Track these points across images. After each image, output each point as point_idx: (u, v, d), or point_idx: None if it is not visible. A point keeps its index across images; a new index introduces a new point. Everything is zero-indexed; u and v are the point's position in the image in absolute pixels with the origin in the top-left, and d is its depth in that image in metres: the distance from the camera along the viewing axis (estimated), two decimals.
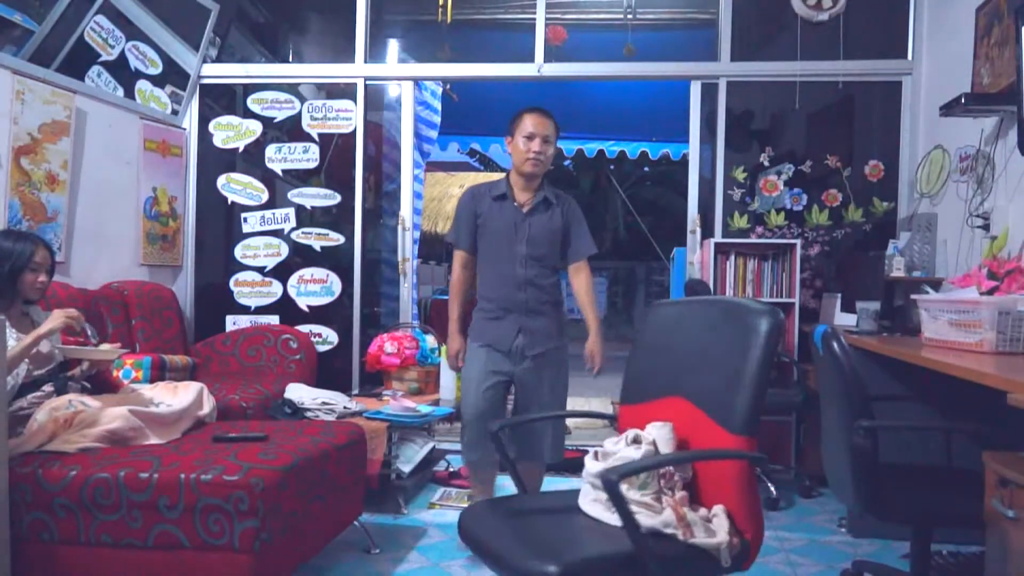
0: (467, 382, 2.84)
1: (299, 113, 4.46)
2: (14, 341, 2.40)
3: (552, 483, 2.96)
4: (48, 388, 2.52)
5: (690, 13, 4.99)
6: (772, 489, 3.52)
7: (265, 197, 4.49)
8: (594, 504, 1.77)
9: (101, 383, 2.74)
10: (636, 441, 1.75)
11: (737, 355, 1.65)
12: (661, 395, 1.87)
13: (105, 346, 2.64)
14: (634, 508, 1.67)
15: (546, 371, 2.80)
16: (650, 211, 11.43)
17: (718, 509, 1.66)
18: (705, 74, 4.32)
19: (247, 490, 2.08)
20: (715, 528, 1.61)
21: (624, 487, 1.69)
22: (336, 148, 4.56)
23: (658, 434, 1.74)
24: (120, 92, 3.94)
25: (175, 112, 4.36)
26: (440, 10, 4.76)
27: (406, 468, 3.42)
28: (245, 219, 4.47)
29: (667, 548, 1.55)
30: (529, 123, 2.77)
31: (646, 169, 12.12)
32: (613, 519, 1.69)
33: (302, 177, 4.72)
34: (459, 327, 2.88)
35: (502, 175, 2.96)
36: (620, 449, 1.75)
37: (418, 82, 4.68)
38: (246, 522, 2.08)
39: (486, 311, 2.84)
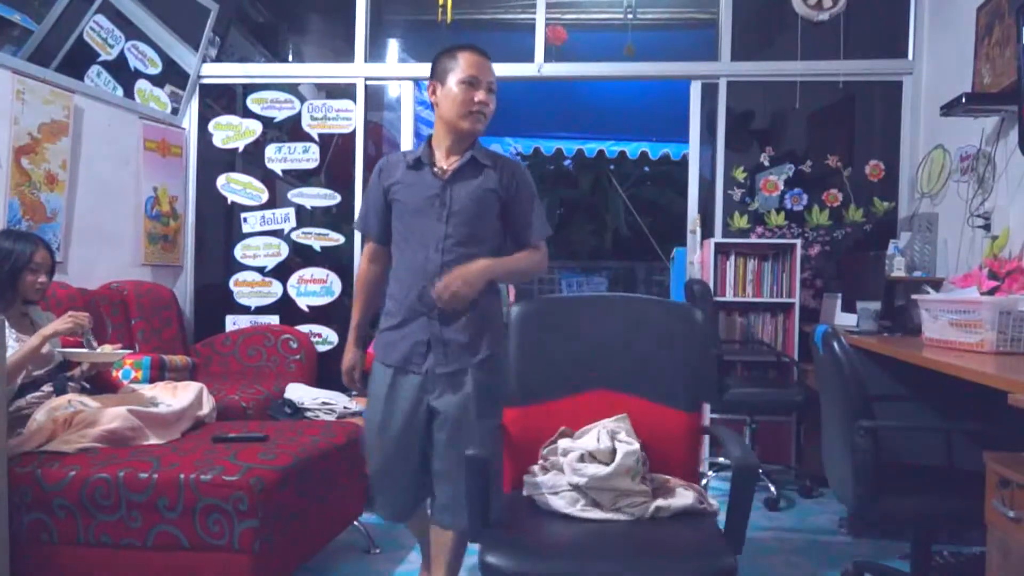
0: (369, 420, 2.19)
1: (299, 113, 4.46)
2: (13, 341, 2.40)
3: None
4: (48, 388, 2.51)
5: (690, 13, 4.98)
6: (772, 489, 3.52)
7: (265, 197, 4.49)
8: (590, 509, 1.74)
9: (101, 383, 2.74)
10: (613, 437, 1.80)
11: (677, 347, 1.92)
12: (575, 391, 1.94)
13: (107, 347, 2.64)
14: (640, 499, 1.74)
15: (472, 398, 2.06)
16: (650, 211, 11.41)
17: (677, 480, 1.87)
18: (705, 74, 4.32)
19: (247, 490, 2.08)
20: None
21: (627, 482, 1.74)
22: (336, 148, 4.55)
23: (624, 426, 1.84)
24: (120, 92, 3.94)
25: (175, 112, 4.36)
26: (440, 10, 4.75)
27: None
28: (245, 219, 4.47)
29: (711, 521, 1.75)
30: (469, 65, 2.08)
31: (646, 169, 12.09)
32: (622, 517, 1.72)
33: (302, 177, 4.72)
34: (357, 335, 2.27)
35: None
36: (620, 447, 1.75)
37: (418, 82, 4.67)
38: (246, 522, 2.08)
39: (390, 315, 2.18)
